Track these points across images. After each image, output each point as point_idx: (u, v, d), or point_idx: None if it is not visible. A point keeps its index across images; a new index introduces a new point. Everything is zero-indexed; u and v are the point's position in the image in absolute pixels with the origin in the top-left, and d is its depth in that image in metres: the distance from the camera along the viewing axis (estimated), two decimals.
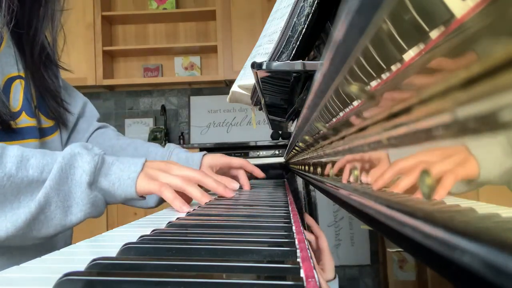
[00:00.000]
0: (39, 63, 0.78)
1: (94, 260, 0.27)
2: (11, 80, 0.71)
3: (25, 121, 0.72)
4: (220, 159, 0.93)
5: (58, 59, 0.84)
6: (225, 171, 0.95)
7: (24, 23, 0.75)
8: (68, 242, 0.81)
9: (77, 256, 0.36)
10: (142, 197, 0.66)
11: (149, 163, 0.68)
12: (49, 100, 0.79)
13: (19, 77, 0.73)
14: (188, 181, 0.67)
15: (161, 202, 0.79)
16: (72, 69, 0.86)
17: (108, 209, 2.89)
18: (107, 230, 0.52)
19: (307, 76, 0.55)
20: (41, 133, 0.77)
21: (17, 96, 0.72)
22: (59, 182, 0.59)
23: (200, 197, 0.66)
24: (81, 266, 0.27)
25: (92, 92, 3.41)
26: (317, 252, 0.52)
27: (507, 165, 0.11)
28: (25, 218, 0.56)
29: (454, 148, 0.13)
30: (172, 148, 0.92)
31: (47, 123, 0.79)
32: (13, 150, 0.58)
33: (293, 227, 0.40)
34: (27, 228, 0.57)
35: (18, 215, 0.56)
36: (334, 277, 0.46)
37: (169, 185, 0.65)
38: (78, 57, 3.04)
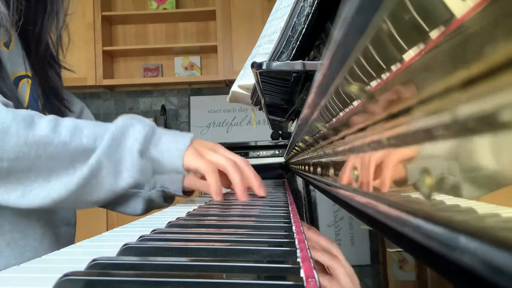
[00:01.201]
0: (44, 62, 0.79)
1: (94, 260, 0.27)
2: (18, 79, 0.73)
3: None
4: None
5: (62, 59, 0.85)
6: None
7: (30, 22, 0.76)
8: (72, 239, 0.82)
9: (77, 256, 0.36)
10: (188, 171, 0.67)
11: (198, 140, 0.70)
12: (52, 99, 0.80)
13: (26, 76, 0.74)
14: (233, 164, 0.67)
15: (147, 210, 0.79)
16: (73, 73, 0.88)
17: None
18: (107, 230, 0.53)
19: (307, 76, 0.55)
20: None
21: (24, 94, 0.73)
22: (111, 149, 0.62)
23: (239, 184, 0.66)
24: (81, 266, 0.27)
25: (92, 92, 3.41)
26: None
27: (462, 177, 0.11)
28: (78, 182, 0.59)
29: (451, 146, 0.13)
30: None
31: None
32: (67, 121, 0.61)
33: (293, 227, 0.40)
34: (79, 192, 0.60)
35: (71, 179, 0.59)
36: None
37: (215, 163, 0.66)
38: (78, 57, 3.04)
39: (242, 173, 0.69)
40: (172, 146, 0.65)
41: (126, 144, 0.63)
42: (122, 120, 0.65)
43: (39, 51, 0.78)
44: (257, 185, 0.70)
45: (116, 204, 0.74)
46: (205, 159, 0.66)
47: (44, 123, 0.59)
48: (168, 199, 0.80)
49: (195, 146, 0.67)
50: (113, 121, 0.66)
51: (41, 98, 0.77)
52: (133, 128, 0.64)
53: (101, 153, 0.60)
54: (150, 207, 0.77)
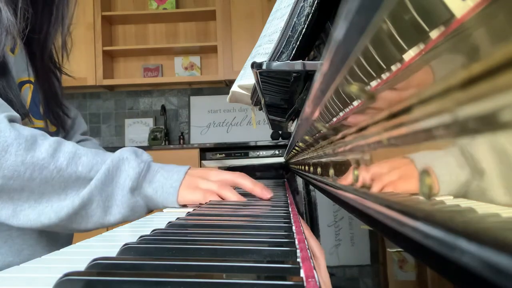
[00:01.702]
0: (47, 68, 0.81)
1: (94, 260, 0.27)
2: (21, 84, 0.74)
3: (32, 122, 0.74)
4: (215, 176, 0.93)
5: (66, 63, 0.87)
6: None
7: (36, 29, 0.77)
8: (70, 240, 0.82)
9: (77, 256, 0.36)
10: (184, 206, 0.68)
11: (191, 171, 0.70)
12: (52, 105, 0.81)
13: (29, 81, 0.75)
14: (224, 185, 0.68)
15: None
16: (73, 73, 0.89)
17: None
18: (107, 230, 0.53)
19: (307, 76, 0.55)
20: None
21: (25, 99, 0.74)
22: (104, 183, 0.62)
23: (235, 200, 0.67)
24: (81, 266, 0.27)
25: (92, 92, 3.41)
26: None
27: (462, 177, 0.11)
28: (68, 211, 0.60)
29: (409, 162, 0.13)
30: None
31: (51, 128, 0.81)
32: (68, 146, 0.62)
33: (293, 227, 0.40)
34: (68, 221, 0.61)
35: (62, 207, 0.60)
36: None
37: (210, 191, 0.66)
38: (78, 57, 3.04)
39: (238, 185, 0.70)
40: (166, 183, 0.66)
41: (119, 179, 0.63)
42: (119, 153, 0.65)
43: (43, 57, 0.79)
44: (259, 192, 0.70)
45: None
46: (200, 189, 0.66)
47: (45, 145, 0.60)
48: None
49: (188, 180, 0.67)
50: (115, 151, 0.66)
51: (43, 104, 0.78)
52: (129, 164, 0.64)
53: (94, 186, 0.61)
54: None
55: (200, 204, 0.66)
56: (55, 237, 0.75)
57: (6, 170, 0.57)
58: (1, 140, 0.57)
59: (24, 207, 0.60)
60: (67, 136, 0.88)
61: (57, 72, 0.85)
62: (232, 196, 0.67)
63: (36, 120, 0.75)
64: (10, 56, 0.70)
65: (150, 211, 0.68)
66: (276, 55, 0.54)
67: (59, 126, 0.84)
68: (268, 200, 0.69)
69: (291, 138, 0.86)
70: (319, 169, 0.50)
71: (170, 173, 0.67)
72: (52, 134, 0.81)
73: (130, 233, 0.46)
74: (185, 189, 0.66)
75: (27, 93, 0.74)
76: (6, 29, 0.65)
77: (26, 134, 0.59)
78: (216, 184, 0.68)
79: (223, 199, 0.67)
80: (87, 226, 0.63)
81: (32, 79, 0.76)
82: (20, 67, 0.73)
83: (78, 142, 0.95)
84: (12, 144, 0.57)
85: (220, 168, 0.94)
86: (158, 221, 0.54)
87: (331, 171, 0.39)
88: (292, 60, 0.53)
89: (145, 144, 3.27)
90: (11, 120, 0.60)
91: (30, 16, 0.71)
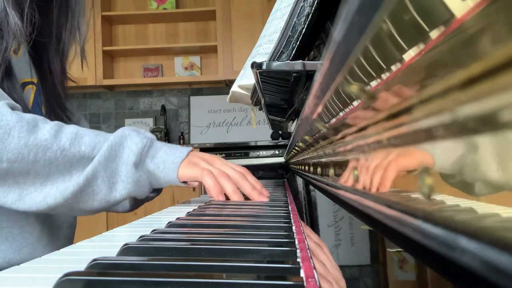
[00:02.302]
0: (54, 73, 0.81)
1: (94, 260, 0.27)
2: (24, 85, 0.74)
3: None
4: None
5: (83, 68, 0.88)
6: None
7: (52, 38, 0.79)
8: (71, 239, 0.82)
9: (77, 256, 0.36)
10: (184, 182, 0.68)
11: (194, 152, 0.70)
12: (55, 108, 0.82)
13: (31, 83, 0.76)
14: (225, 175, 0.68)
15: (137, 206, 0.78)
16: (73, 73, 0.91)
17: None
18: (107, 230, 0.53)
19: (307, 76, 0.55)
20: None
21: (28, 100, 0.74)
22: (108, 159, 0.62)
23: (232, 194, 0.67)
24: (81, 266, 0.27)
25: (92, 92, 3.41)
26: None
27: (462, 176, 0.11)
28: (73, 190, 0.60)
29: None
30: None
31: None
32: (70, 128, 0.62)
33: (293, 227, 0.40)
34: (74, 199, 0.61)
35: (67, 186, 0.60)
36: None
37: (208, 170, 0.67)
38: (78, 57, 3.03)
39: (238, 185, 0.69)
40: (168, 159, 0.66)
41: (122, 155, 0.64)
42: (121, 131, 0.65)
43: (63, 63, 0.81)
44: (256, 195, 0.69)
45: None
46: (199, 167, 0.67)
47: (47, 128, 0.60)
48: (157, 190, 0.79)
49: (190, 158, 0.68)
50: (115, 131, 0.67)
51: (45, 105, 0.79)
52: (131, 139, 0.64)
53: (97, 163, 0.61)
54: (138, 202, 0.76)
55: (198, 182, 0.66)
56: (56, 234, 0.75)
57: (10, 153, 0.57)
58: (3, 123, 0.57)
59: (30, 191, 0.60)
60: None
61: (62, 77, 0.85)
62: (231, 190, 0.67)
63: None
64: (13, 57, 0.71)
65: (153, 188, 0.68)
66: (276, 55, 0.54)
67: None
68: (267, 199, 0.69)
69: (291, 138, 0.86)
70: (319, 169, 0.50)
71: (173, 150, 0.67)
72: None
73: (130, 233, 0.46)
74: (185, 166, 0.67)
75: (30, 94, 0.75)
76: (14, 33, 0.66)
77: (28, 118, 0.59)
78: (216, 170, 0.68)
79: (220, 185, 0.67)
80: (93, 205, 0.63)
81: (35, 80, 0.77)
82: (22, 68, 0.74)
83: None
84: (14, 127, 0.57)
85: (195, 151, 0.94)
86: (158, 221, 0.54)
87: (331, 171, 0.39)
88: (292, 60, 0.53)
89: None
90: (12, 108, 0.60)
91: (37, 22, 0.71)
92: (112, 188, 0.63)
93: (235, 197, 0.67)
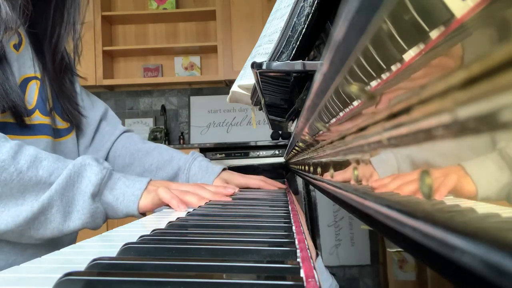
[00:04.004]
0: (59, 69, 0.81)
1: (94, 260, 0.27)
2: (27, 80, 0.74)
3: (38, 118, 0.74)
4: (237, 179, 0.94)
5: (75, 66, 0.88)
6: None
7: (47, 32, 0.79)
8: (74, 240, 0.83)
9: (77, 256, 0.36)
10: (143, 214, 0.68)
11: (153, 181, 0.70)
12: (64, 103, 0.82)
13: (35, 78, 0.75)
14: (185, 192, 0.69)
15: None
16: (85, 76, 0.91)
17: None
18: (107, 230, 0.53)
19: (307, 76, 0.55)
20: (56, 134, 0.79)
21: (32, 95, 0.74)
22: (65, 188, 0.61)
23: (197, 203, 0.67)
24: (81, 266, 0.27)
25: (92, 92, 3.40)
26: None
27: (503, 180, 0.11)
28: (26, 216, 0.58)
29: (450, 166, 0.13)
30: (196, 155, 0.95)
31: (62, 124, 0.82)
32: (30, 150, 0.61)
33: (293, 227, 0.40)
34: (26, 226, 0.59)
35: (20, 211, 0.58)
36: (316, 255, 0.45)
37: (164, 188, 0.67)
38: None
39: (197, 194, 0.70)
40: (128, 191, 0.66)
41: (80, 185, 0.62)
42: (81, 159, 0.64)
43: (55, 58, 0.80)
44: (218, 196, 0.71)
45: None
46: (155, 191, 0.67)
47: (7, 148, 0.58)
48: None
49: (149, 188, 0.68)
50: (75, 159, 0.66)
51: (50, 100, 0.79)
52: (91, 169, 0.63)
53: (54, 191, 0.60)
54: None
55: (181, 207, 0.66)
56: (58, 237, 0.75)
57: None
58: None
59: None
60: (81, 133, 0.89)
61: (69, 74, 0.85)
62: (194, 200, 0.67)
63: (43, 116, 0.75)
64: (13, 52, 0.70)
65: (107, 219, 0.68)
66: (276, 55, 0.54)
67: (72, 124, 0.84)
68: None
69: (291, 138, 0.86)
70: (319, 169, 0.50)
71: (132, 181, 0.67)
72: (62, 130, 0.82)
73: (130, 233, 0.46)
74: (146, 196, 0.67)
75: (34, 89, 0.74)
76: (5, 24, 0.65)
77: None
78: (177, 191, 0.68)
79: (187, 204, 0.67)
80: (45, 233, 0.61)
81: (39, 75, 0.76)
82: (25, 64, 0.74)
83: (122, 133, 0.98)
84: None
85: (227, 169, 0.95)
86: (158, 221, 0.54)
87: (331, 171, 0.39)
88: (292, 60, 0.53)
89: None
90: None
91: (30, 13, 0.71)
92: (67, 217, 0.62)
93: (201, 204, 0.67)
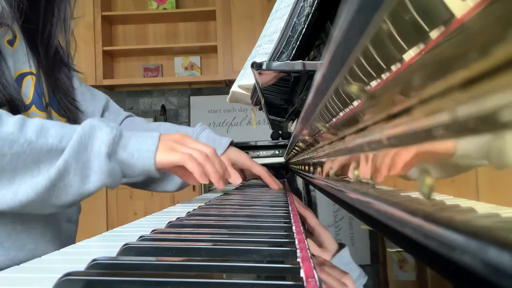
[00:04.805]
0: (53, 64, 0.81)
1: (94, 260, 0.27)
2: (22, 76, 0.74)
3: (35, 113, 0.74)
4: (244, 159, 0.94)
5: (71, 62, 0.87)
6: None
7: (39, 27, 0.78)
8: (73, 236, 0.83)
9: (77, 256, 0.36)
10: (162, 169, 0.68)
11: (164, 136, 0.70)
12: (61, 98, 0.81)
13: (30, 73, 0.75)
14: (206, 157, 0.69)
15: (181, 187, 0.83)
16: (85, 76, 0.91)
17: (108, 209, 2.89)
18: (107, 230, 0.53)
19: (307, 76, 0.55)
20: None
21: (28, 90, 0.74)
22: (78, 151, 0.61)
23: (212, 174, 0.68)
24: (81, 266, 0.27)
25: None
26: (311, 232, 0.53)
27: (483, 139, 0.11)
28: (45, 184, 0.58)
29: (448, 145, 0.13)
30: (204, 127, 0.96)
31: (58, 120, 0.82)
32: (34, 120, 0.60)
33: (293, 227, 0.40)
34: (47, 194, 0.59)
35: (38, 181, 0.58)
36: (340, 247, 0.45)
37: (189, 155, 0.67)
38: (78, 57, 3.02)
39: (214, 163, 0.71)
40: (142, 147, 0.66)
41: (93, 147, 0.62)
42: (89, 122, 0.64)
43: (48, 54, 0.79)
44: (215, 180, 0.71)
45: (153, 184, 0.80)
46: (179, 152, 0.67)
47: (12, 121, 0.58)
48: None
49: (164, 143, 0.68)
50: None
51: (46, 96, 0.78)
52: (101, 130, 0.63)
53: (68, 155, 0.60)
54: (182, 185, 0.82)
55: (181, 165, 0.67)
56: (58, 230, 0.75)
57: None
58: None
59: None
60: (109, 116, 0.91)
61: (65, 69, 0.85)
62: (214, 174, 0.68)
63: (39, 111, 0.75)
64: (8, 48, 0.70)
65: (124, 177, 0.68)
66: (276, 55, 0.54)
67: (69, 119, 0.84)
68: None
69: (291, 138, 0.86)
70: (319, 169, 0.50)
71: (143, 138, 0.67)
72: None
73: (130, 233, 0.46)
74: (162, 152, 0.67)
75: (30, 85, 0.74)
76: (0, 18, 0.65)
77: None
78: (197, 152, 0.69)
79: (205, 170, 0.68)
80: (67, 199, 0.61)
81: (34, 71, 0.76)
82: (20, 59, 0.73)
83: (125, 118, 1.00)
84: None
85: (234, 146, 0.96)
86: (158, 221, 0.54)
87: (331, 171, 0.39)
88: (292, 60, 0.53)
89: None
90: None
91: (25, 7, 0.70)
92: (85, 180, 0.62)
93: (216, 176, 0.69)
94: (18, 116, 0.60)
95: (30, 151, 0.58)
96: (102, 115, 0.95)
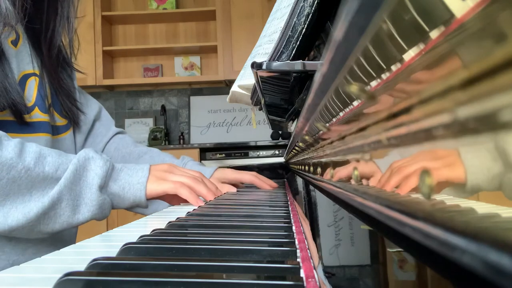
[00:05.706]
0: (56, 64, 0.81)
1: (94, 260, 0.27)
2: (26, 77, 0.74)
3: (38, 115, 0.74)
4: (231, 175, 0.96)
5: (73, 62, 0.88)
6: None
7: (42, 26, 0.79)
8: (73, 239, 0.83)
9: (77, 256, 0.36)
10: (152, 199, 0.71)
11: (153, 167, 0.72)
12: (63, 99, 0.82)
13: (34, 74, 0.75)
14: (195, 179, 0.72)
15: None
16: (85, 76, 0.91)
17: None
18: (107, 230, 0.53)
19: (307, 76, 0.55)
20: (54, 131, 0.80)
21: (31, 92, 0.74)
22: (73, 182, 0.62)
23: (206, 194, 0.71)
24: (81, 266, 0.27)
25: (92, 92, 3.40)
26: None
27: (495, 170, 0.11)
28: (37, 212, 0.59)
29: (445, 151, 0.13)
30: (187, 160, 0.98)
31: (60, 121, 0.82)
32: (32, 147, 0.61)
33: (293, 227, 0.40)
34: (36, 221, 0.60)
35: (30, 207, 0.59)
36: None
37: (179, 183, 0.69)
38: (78, 57, 3.03)
39: (206, 183, 0.74)
40: (133, 180, 0.68)
41: (87, 178, 0.64)
42: (84, 152, 0.65)
43: (51, 53, 0.80)
44: (211, 195, 0.74)
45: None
46: (169, 180, 0.70)
47: (11, 145, 0.59)
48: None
49: (154, 174, 0.70)
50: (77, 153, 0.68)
51: (49, 97, 0.79)
52: (95, 162, 0.65)
53: (63, 185, 0.61)
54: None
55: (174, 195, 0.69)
56: (59, 235, 0.75)
57: None
58: None
59: None
60: (79, 130, 0.90)
61: (68, 69, 0.86)
62: (205, 191, 0.71)
63: (42, 113, 0.75)
64: (12, 48, 0.70)
65: (113, 208, 0.70)
66: (276, 55, 0.54)
67: (71, 120, 0.85)
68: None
69: (291, 138, 0.86)
70: (319, 169, 0.50)
71: (133, 170, 0.69)
72: (60, 127, 0.82)
73: (130, 233, 0.46)
74: (152, 183, 0.69)
75: (33, 86, 0.74)
76: (4, 18, 0.65)
77: None
78: (187, 178, 0.71)
79: (197, 193, 0.71)
80: (54, 227, 0.62)
81: (38, 72, 0.76)
82: (23, 60, 0.73)
83: (115, 135, 0.99)
84: None
85: (220, 167, 0.96)
86: (158, 221, 0.54)
87: (331, 171, 0.39)
88: (292, 60, 0.53)
89: (145, 144, 3.27)
90: None
91: (29, 7, 0.71)
92: (76, 210, 0.63)
93: (210, 196, 0.71)
94: (17, 140, 0.60)
95: (26, 178, 0.59)
96: (92, 125, 0.94)
